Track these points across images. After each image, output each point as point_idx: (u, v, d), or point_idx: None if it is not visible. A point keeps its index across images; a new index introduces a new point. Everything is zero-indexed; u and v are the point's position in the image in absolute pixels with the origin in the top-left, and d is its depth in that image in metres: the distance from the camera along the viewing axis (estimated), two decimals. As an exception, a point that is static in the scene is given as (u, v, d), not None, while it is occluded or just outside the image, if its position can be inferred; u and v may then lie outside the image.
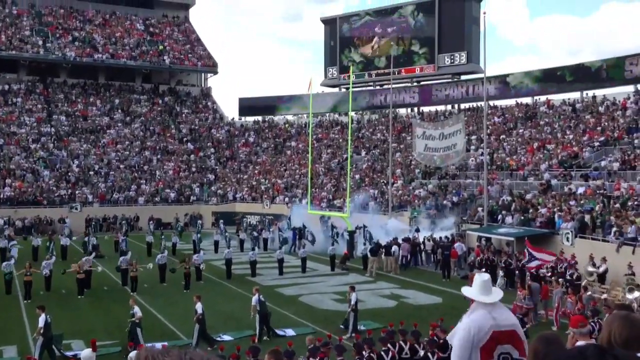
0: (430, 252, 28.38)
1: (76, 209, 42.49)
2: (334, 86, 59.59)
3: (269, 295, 21.90)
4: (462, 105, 50.31)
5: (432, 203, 34.61)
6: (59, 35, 58.63)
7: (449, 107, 51.25)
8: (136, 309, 15.46)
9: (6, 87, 54.92)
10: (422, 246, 29.02)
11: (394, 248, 27.21)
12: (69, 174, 47.30)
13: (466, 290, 4.15)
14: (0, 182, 44.03)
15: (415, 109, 53.74)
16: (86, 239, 29.45)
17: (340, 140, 52.30)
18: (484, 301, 3.96)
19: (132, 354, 10.99)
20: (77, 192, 45.08)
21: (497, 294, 4.13)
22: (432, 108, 51.95)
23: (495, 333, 3.84)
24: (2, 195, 42.71)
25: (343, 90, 57.08)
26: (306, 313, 19.40)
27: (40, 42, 56.72)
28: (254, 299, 16.60)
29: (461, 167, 39.03)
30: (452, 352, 3.83)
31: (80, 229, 38.46)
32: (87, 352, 11.13)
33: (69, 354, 14.73)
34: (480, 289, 4.01)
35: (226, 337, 16.36)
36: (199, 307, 15.74)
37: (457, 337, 3.86)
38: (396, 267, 26.99)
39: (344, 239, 30.77)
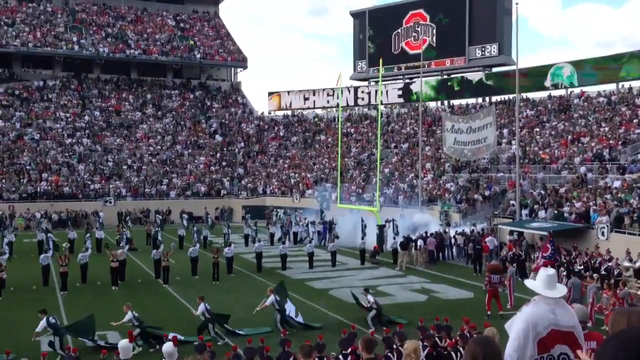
0: (461, 247, 28.16)
1: (110, 202, 43.31)
2: (363, 80, 59.36)
3: (299, 289, 22.12)
4: (494, 98, 49.64)
5: (462, 197, 34.30)
6: (92, 32, 59.64)
7: (479, 100, 50.63)
8: (128, 314, 15.43)
9: (42, 83, 56.11)
10: (452, 240, 28.81)
11: (419, 242, 27.04)
12: (103, 168, 48.19)
13: (529, 283, 4.11)
14: (37, 176, 45.12)
15: (445, 102, 53.22)
16: (122, 230, 29.96)
17: (370, 134, 52.12)
18: (547, 295, 3.92)
19: (166, 345, 11.13)
20: (110, 185, 45.93)
21: (561, 290, 4.06)
22: (463, 101, 51.38)
23: (554, 332, 3.79)
24: (39, 189, 43.77)
25: (372, 83, 56.85)
26: (336, 307, 19.45)
27: (75, 39, 57.76)
28: (271, 299, 16.53)
29: (492, 160, 38.57)
30: (508, 342, 3.81)
31: (113, 222, 39.19)
32: (124, 342, 11.33)
33: (100, 342, 14.99)
34: (544, 283, 3.97)
35: (242, 332, 16.34)
36: (200, 307, 15.82)
37: (514, 328, 3.84)
38: (422, 261, 26.86)
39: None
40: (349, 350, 11.14)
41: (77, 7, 62.24)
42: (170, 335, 14.28)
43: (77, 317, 17.93)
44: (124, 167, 49.06)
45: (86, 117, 53.79)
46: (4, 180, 43.96)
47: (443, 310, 17.39)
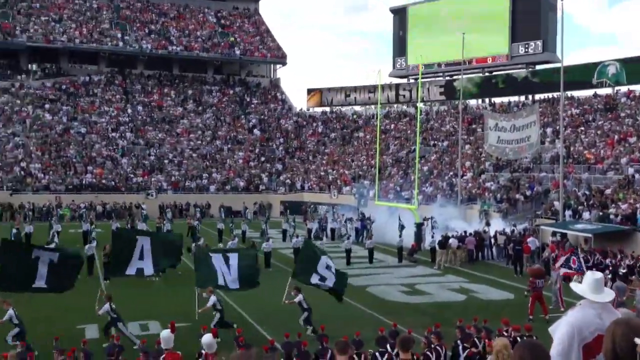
0: (501, 247, 27.75)
1: (151, 195, 44.19)
2: (402, 77, 58.97)
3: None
4: (537, 96, 48.68)
5: (503, 196, 33.76)
6: (136, 28, 60.80)
7: (522, 97, 49.72)
8: (105, 306, 15.16)
9: (87, 78, 57.50)
10: (492, 240, 28.41)
11: (451, 241, 26.70)
12: (145, 162, 49.16)
13: (576, 287, 4.02)
14: (83, 168, 46.33)
15: (487, 99, 52.45)
16: (162, 224, 30.50)
17: (409, 131, 51.77)
18: (594, 300, 3.82)
19: (205, 337, 11.30)
20: (152, 179, 46.84)
21: (609, 294, 3.97)
22: (505, 99, 50.54)
23: (601, 337, 3.70)
24: (84, 181, 44.96)
25: (412, 80, 56.41)
26: (374, 304, 19.42)
27: (119, 35, 59.00)
28: (299, 297, 16.26)
29: (535, 160, 37.85)
30: (552, 346, 3.74)
31: (154, 215, 39.92)
32: (166, 332, 11.55)
33: (130, 335, 15.11)
34: (591, 287, 3.87)
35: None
36: (211, 299, 15.82)
37: (559, 331, 3.77)
38: (461, 261, 26.57)
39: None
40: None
41: (122, 3, 63.54)
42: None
43: (121, 307, 18.34)
44: (165, 161, 49.95)
45: (129, 112, 54.93)
46: (51, 172, 45.28)
47: (482, 310, 17.18)
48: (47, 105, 52.50)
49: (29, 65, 57.00)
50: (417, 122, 37.94)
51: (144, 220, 33.44)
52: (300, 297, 16.25)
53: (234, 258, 16.05)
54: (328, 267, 16.22)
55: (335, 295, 16.83)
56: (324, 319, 16.34)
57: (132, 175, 47.01)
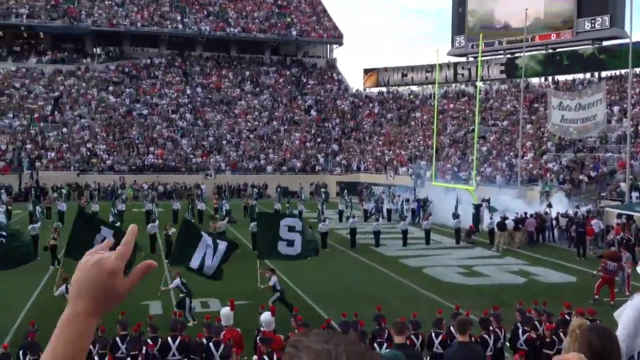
0: (563, 229, 26.98)
1: (210, 175, 45.17)
2: (461, 55, 57.64)
3: (392, 266, 22.15)
4: (603, 74, 46.67)
5: (566, 177, 32.73)
6: (195, 11, 61.71)
7: (588, 75, 47.80)
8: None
9: (149, 61, 58.94)
10: (554, 222, 27.66)
11: (508, 222, 26.08)
12: (204, 142, 50.19)
13: None
14: (145, 149, 47.75)
15: (550, 77, 50.69)
16: (221, 203, 31.14)
17: (467, 111, 50.72)
18: None
19: (264, 314, 11.52)
20: (211, 160, 47.82)
21: None
22: (569, 77, 48.71)
23: None
24: (146, 162, 46.37)
25: (471, 59, 55.10)
26: (430, 285, 19.32)
27: (179, 18, 60.06)
28: (273, 279, 15.91)
29: (601, 139, 36.43)
30: (617, 331, 3.67)
31: (213, 195, 40.75)
32: (225, 309, 11.86)
33: (184, 315, 15.40)
34: None
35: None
36: (272, 280, 15.70)
37: (624, 316, 3.70)
38: (513, 243, 25.97)
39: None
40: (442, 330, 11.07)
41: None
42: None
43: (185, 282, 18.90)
44: (224, 142, 50.83)
45: (188, 94, 56.06)
46: (115, 153, 46.88)
47: (542, 294, 16.81)
48: (110, 88, 54.22)
49: (94, 49, 58.86)
50: (477, 101, 37.10)
51: (202, 200, 34.22)
52: (274, 279, 15.84)
53: (222, 245, 15.57)
54: (292, 229, 15.47)
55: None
56: (380, 300, 16.43)
57: (191, 156, 48.13)
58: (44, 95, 51.80)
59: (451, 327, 11.00)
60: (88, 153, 46.28)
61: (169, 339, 10.76)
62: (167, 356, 10.57)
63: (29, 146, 45.58)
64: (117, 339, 10.81)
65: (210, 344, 10.42)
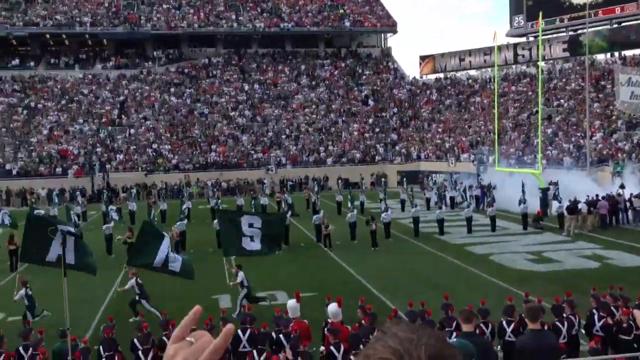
0: (638, 210, 25.84)
1: (271, 170, 45.78)
2: (520, 35, 55.98)
3: (458, 254, 21.85)
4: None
5: (639, 156, 31.31)
6: (249, 8, 62.50)
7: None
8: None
9: (207, 60, 60.18)
10: (627, 204, 26.52)
11: (581, 206, 25.16)
12: (264, 138, 50.89)
13: None
14: (207, 147, 48.89)
15: (617, 53, 48.51)
16: (283, 197, 31.53)
17: (529, 93, 49.23)
18: None
19: (331, 306, 11.58)
20: (271, 155, 48.45)
21: None
22: (637, 51, 46.45)
23: None
24: (209, 160, 47.48)
25: (531, 39, 53.40)
26: (498, 272, 18.95)
27: (233, 17, 60.98)
28: (240, 275, 15.60)
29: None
30: None
31: (275, 190, 41.33)
32: (292, 302, 12.02)
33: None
34: None
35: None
36: (240, 276, 15.49)
37: None
38: (585, 226, 25.04)
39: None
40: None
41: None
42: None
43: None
44: (283, 136, 51.36)
45: (246, 90, 56.91)
46: (179, 152, 48.22)
47: (619, 278, 16.19)
48: (172, 89, 55.73)
49: (154, 52, 60.61)
50: (539, 81, 35.94)
51: (265, 195, 34.72)
52: (241, 275, 15.58)
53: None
54: (251, 225, 15.24)
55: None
56: (447, 288, 16.25)
57: (252, 152, 48.90)
58: (110, 100, 53.84)
59: (522, 315, 10.76)
60: (154, 153, 47.81)
61: (239, 331, 10.98)
62: (238, 348, 10.81)
63: (99, 149, 47.55)
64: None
65: (280, 335, 10.59)
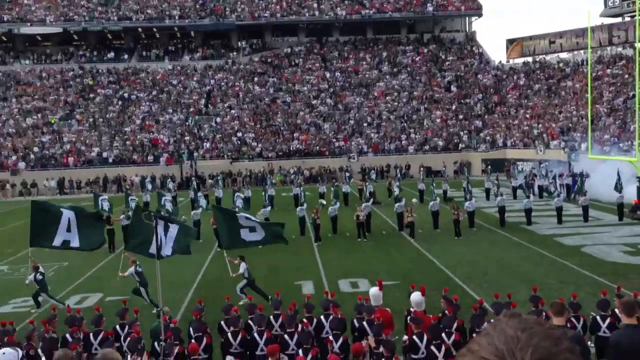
0: None
1: (353, 158, 45.84)
2: (616, 16, 52.82)
3: (547, 245, 21.06)
4: None
5: None
6: (330, -4, 62.59)
7: None
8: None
9: (289, 49, 60.89)
10: None
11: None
12: (345, 126, 50.97)
13: None
14: (290, 135, 49.59)
15: None
16: (365, 185, 31.44)
17: (626, 76, 46.45)
18: None
19: (414, 294, 11.48)
20: (352, 142, 48.47)
21: None
22: None
23: None
24: (292, 148, 48.17)
25: (627, 19, 50.24)
26: (590, 265, 18.12)
27: (315, 5, 61.26)
28: (243, 266, 15.26)
29: None
30: None
31: (357, 177, 41.37)
32: (374, 290, 12.04)
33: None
34: None
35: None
36: (242, 267, 15.25)
37: None
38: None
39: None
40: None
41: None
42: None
43: (332, 265, 19.47)
44: (364, 124, 51.24)
45: (328, 79, 57.13)
46: (262, 141, 49.22)
47: None
48: (255, 79, 56.87)
49: (239, 43, 62.01)
50: (637, 64, 33.79)
51: (347, 183, 34.83)
52: (243, 266, 15.36)
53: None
54: (248, 219, 14.78)
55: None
56: (536, 280, 15.75)
57: (334, 140, 49.12)
58: (198, 90, 55.68)
59: (615, 310, 10.27)
60: (238, 142, 49.07)
61: (322, 317, 11.13)
62: (321, 334, 10.96)
63: (187, 138, 49.36)
64: (271, 317, 11.42)
65: (364, 322, 10.63)
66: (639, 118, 32.06)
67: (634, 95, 36.85)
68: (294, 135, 49.69)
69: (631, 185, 27.08)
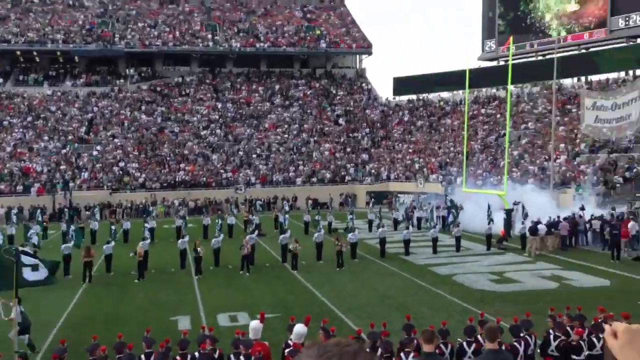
0: (597, 232, 26.28)
1: (240, 190, 45.51)
2: (491, 59, 57.07)
3: (422, 274, 21.91)
4: (638, 72, 45.51)
5: (600, 179, 31.94)
6: (225, 28, 62.72)
7: (621, 74, 46.68)
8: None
9: (180, 79, 60.02)
10: (587, 225, 26.97)
11: (540, 227, 25.47)
12: (234, 157, 50.67)
13: None
14: (176, 166, 48.44)
15: (583, 78, 49.67)
16: (250, 217, 31.29)
17: (498, 115, 50.05)
18: None
19: (298, 326, 11.41)
20: (240, 174, 48.21)
21: None
22: (603, 76, 47.65)
23: None
24: (177, 179, 47.01)
25: (502, 63, 54.43)
26: (461, 293, 19.02)
27: (209, 36, 61.08)
28: (16, 310, 13.78)
29: (636, 139, 35.46)
30: None
31: (243, 209, 41.04)
32: (255, 322, 11.84)
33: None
34: None
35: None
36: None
37: None
38: (545, 247, 25.35)
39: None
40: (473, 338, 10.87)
41: (212, 4, 65.77)
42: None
43: (211, 299, 19.04)
44: (254, 155, 51.22)
45: (219, 109, 56.78)
46: (147, 171, 47.67)
47: (576, 299, 16.38)
48: (143, 107, 55.31)
49: (127, 70, 60.24)
50: (508, 104, 36.54)
51: (233, 215, 34.45)
52: (17, 309, 13.78)
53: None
54: (28, 254, 14.64)
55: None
56: (410, 309, 16.28)
57: (222, 171, 48.61)
58: (78, 117, 53.14)
59: (478, 336, 10.81)
60: (120, 172, 47.14)
61: (196, 354, 10.79)
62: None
63: (63, 167, 46.68)
64: (143, 356, 10.90)
65: (241, 357, 10.42)
66: (508, 155, 34.56)
67: (504, 134, 39.68)
68: (181, 165, 48.62)
69: (499, 217, 28.89)
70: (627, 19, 47.05)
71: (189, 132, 53.29)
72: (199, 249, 22.46)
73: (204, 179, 47.18)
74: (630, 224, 24.55)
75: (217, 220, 29.50)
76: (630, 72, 46.16)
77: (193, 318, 16.85)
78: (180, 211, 35.98)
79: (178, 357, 10.64)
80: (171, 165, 48.58)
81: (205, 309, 17.87)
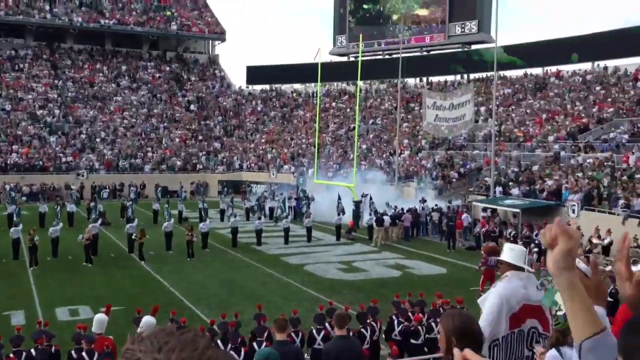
0: (436, 223, 28.34)
1: (82, 175, 42.62)
2: (342, 55, 58.98)
3: (274, 264, 22.13)
4: (472, 76, 49.75)
5: (438, 174, 34.48)
6: (65, 0, 58.04)
7: (458, 77, 50.70)
8: None
9: (13, 52, 54.64)
10: (428, 217, 28.97)
11: (385, 218, 26.99)
12: (75, 140, 47.30)
13: (506, 255, 4.20)
14: (8, 148, 44.11)
15: (425, 78, 53.19)
16: (92, 204, 29.45)
17: (348, 110, 51.95)
18: (523, 267, 4.08)
19: (146, 318, 11.06)
20: (83, 159, 45.14)
21: (528, 267, 4.24)
22: (442, 78, 51.41)
23: (526, 306, 3.93)
24: (9, 162, 42.82)
25: (352, 59, 56.48)
26: (311, 282, 19.50)
27: (47, 7, 56.19)
28: None
29: (469, 138, 38.77)
30: (481, 317, 3.84)
31: (86, 196, 38.57)
32: (100, 315, 11.25)
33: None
34: (517, 259, 4.13)
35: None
36: None
37: (488, 302, 3.92)
38: (390, 238, 26.89)
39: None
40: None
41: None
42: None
43: (49, 292, 17.72)
44: (98, 140, 48.22)
45: (58, 88, 52.63)
46: (-27, 153, 42.88)
47: (417, 286, 17.54)
48: (-32, 81, 49.64)
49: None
50: (357, 99, 38.03)
51: (75, 203, 32.25)
52: None
53: None
54: None
55: None
56: (262, 298, 16.35)
57: (61, 155, 45.13)
58: None
59: (326, 324, 11.15)
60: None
61: (32, 350, 10.02)
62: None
63: None
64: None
65: (83, 354, 9.81)
66: (357, 148, 35.99)
67: (354, 128, 41.29)
68: (13, 147, 44.32)
69: (348, 208, 30.02)
70: (462, 26, 51.13)
71: (23, 111, 48.77)
72: (35, 238, 20.68)
73: (41, 162, 43.47)
74: (464, 216, 26.79)
75: (55, 207, 27.36)
76: (465, 76, 50.28)
77: (28, 312, 15.56)
78: (13, 197, 32.75)
79: (11, 355, 9.80)
80: (2, 147, 44.11)
81: (42, 303, 16.57)
